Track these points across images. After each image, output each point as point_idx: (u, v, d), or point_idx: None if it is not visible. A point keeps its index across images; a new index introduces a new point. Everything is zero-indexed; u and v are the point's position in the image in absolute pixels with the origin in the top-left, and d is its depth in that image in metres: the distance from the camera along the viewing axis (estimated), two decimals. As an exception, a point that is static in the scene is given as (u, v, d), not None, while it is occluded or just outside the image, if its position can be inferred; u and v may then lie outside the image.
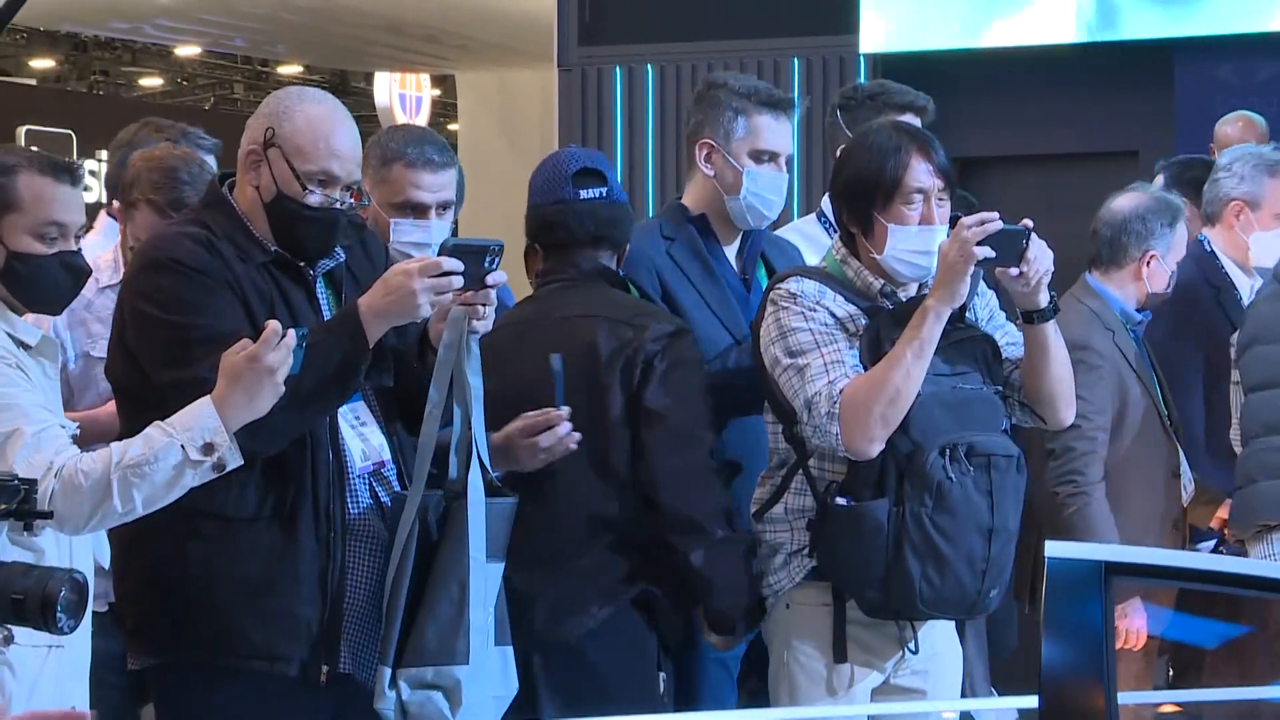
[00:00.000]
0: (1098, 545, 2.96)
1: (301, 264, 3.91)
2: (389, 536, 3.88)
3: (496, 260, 3.82)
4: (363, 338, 3.77)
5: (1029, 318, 4.12)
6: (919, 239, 4.05)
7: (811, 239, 4.85)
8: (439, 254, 3.80)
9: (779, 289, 4.12)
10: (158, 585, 3.89)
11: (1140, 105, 9.33)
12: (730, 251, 4.65)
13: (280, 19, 16.33)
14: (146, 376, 3.83)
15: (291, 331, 3.55)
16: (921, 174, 4.06)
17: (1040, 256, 4.04)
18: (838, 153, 4.88)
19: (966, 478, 4.00)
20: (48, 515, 3.38)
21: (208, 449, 3.52)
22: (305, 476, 3.83)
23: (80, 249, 3.77)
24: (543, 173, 4.50)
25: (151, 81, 24.51)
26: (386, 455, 3.96)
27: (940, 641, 4.22)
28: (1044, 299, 4.09)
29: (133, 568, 3.95)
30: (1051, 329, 4.13)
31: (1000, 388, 4.15)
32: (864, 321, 4.07)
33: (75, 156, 13.76)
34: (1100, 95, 9.39)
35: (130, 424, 3.80)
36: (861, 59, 10.06)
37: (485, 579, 3.83)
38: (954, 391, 4.07)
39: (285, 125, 3.84)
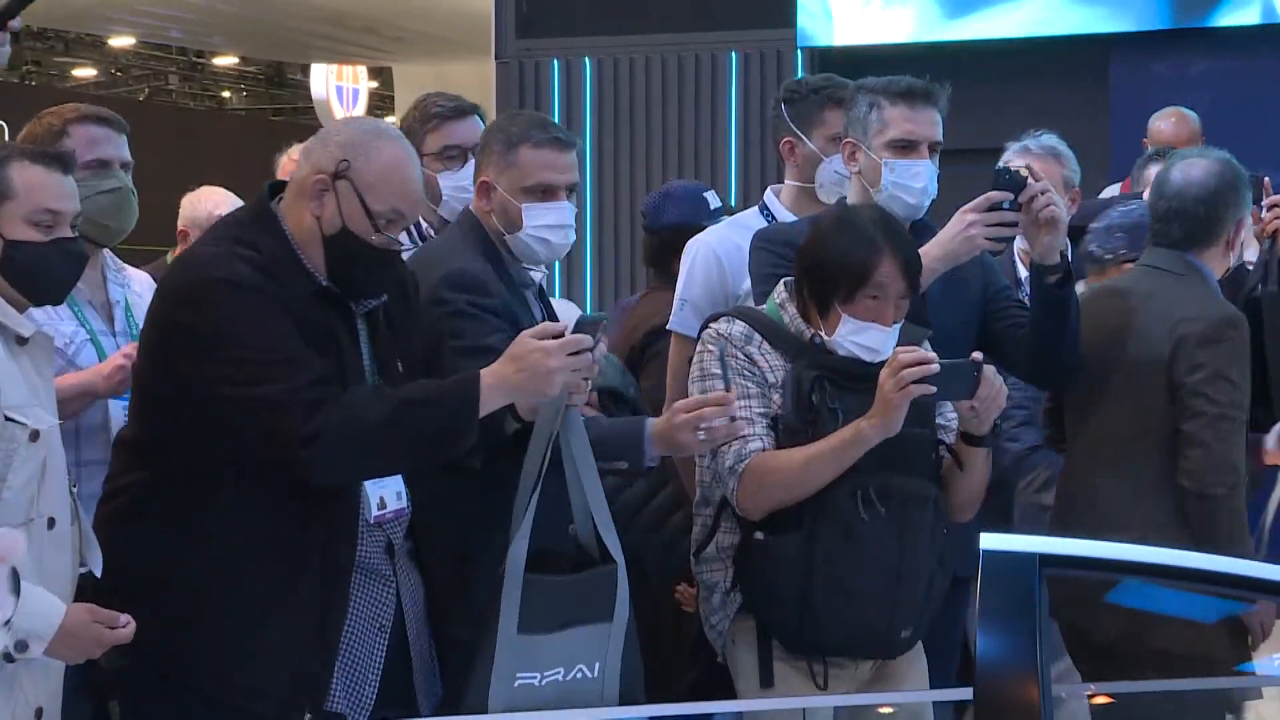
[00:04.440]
0: (1032, 537, 2.96)
1: (349, 301, 3.75)
2: (395, 578, 3.80)
3: (601, 334, 3.70)
4: (474, 411, 3.60)
5: (968, 439, 4.11)
6: (871, 337, 4.03)
7: (752, 232, 4.80)
8: (575, 330, 3.63)
9: (710, 328, 4.14)
10: (155, 589, 3.65)
11: (1076, 100, 9.39)
12: None
13: (216, 10, 16.25)
14: (185, 390, 3.61)
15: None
16: (888, 274, 4.00)
17: (995, 394, 4.00)
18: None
19: (877, 518, 4.02)
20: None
21: (21, 646, 3.36)
22: (314, 522, 3.67)
23: (77, 237, 3.69)
24: (687, 199, 5.56)
25: (85, 72, 24.36)
26: (404, 504, 3.82)
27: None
28: (988, 427, 4.08)
29: (129, 564, 3.70)
30: (983, 455, 4.13)
31: (930, 430, 4.14)
32: (784, 372, 4.05)
33: (8, 147, 13.58)
34: (1036, 89, 9.44)
35: (149, 429, 3.70)
36: (799, 53, 10.09)
37: (511, 650, 3.68)
38: None
39: (362, 160, 3.66)
